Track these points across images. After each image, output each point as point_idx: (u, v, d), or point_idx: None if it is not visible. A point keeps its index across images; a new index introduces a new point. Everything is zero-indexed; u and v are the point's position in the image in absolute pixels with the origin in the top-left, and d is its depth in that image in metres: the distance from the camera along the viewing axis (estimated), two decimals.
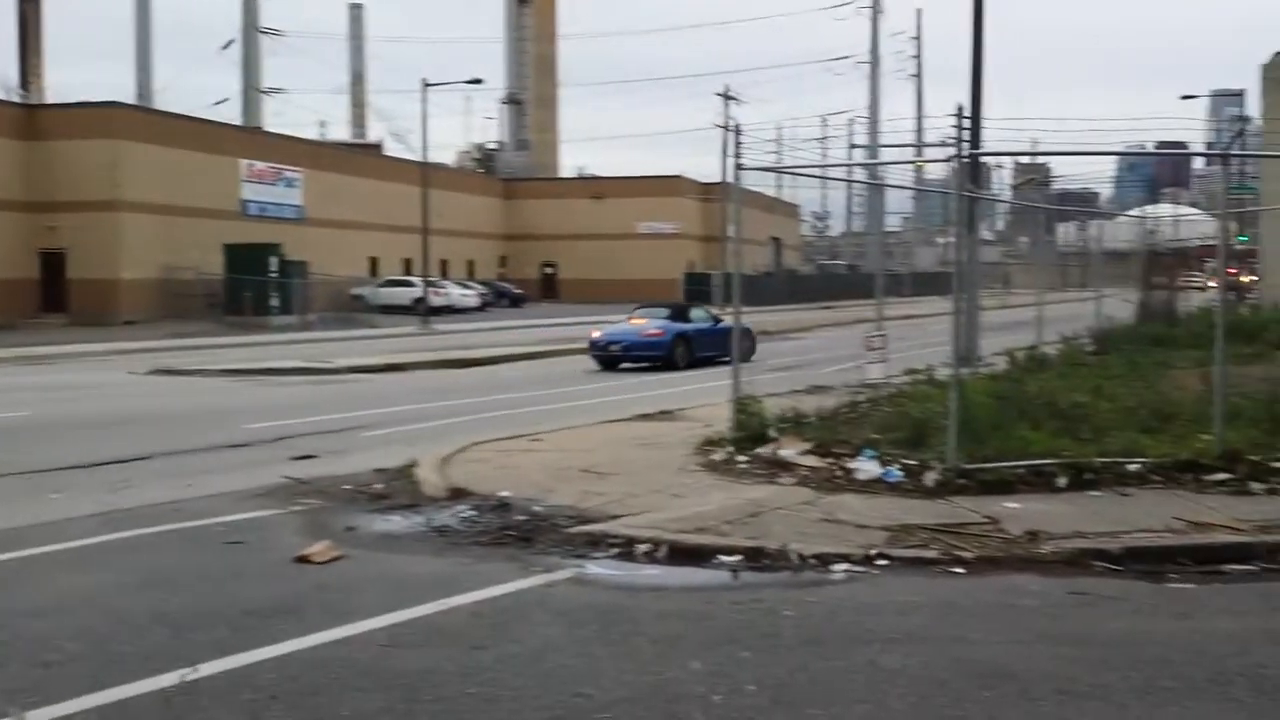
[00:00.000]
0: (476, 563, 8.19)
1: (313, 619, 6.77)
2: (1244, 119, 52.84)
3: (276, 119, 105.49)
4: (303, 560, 8.19)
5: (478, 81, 50.49)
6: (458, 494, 10.39)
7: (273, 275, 46.31)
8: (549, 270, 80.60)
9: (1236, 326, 21.09)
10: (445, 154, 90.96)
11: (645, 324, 25.85)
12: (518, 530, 9.05)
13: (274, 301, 45.90)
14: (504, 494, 10.18)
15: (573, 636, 6.46)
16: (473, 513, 9.69)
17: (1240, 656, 6.04)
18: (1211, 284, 32.06)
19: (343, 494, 10.76)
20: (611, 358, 25.35)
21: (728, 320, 27.92)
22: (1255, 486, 10.01)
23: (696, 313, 27.06)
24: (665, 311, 26.88)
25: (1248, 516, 9.04)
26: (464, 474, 11.21)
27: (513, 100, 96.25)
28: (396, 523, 9.63)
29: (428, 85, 46.94)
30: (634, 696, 5.50)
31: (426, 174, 47.92)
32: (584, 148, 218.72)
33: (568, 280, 78.92)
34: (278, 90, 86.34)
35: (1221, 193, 13.27)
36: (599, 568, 8.11)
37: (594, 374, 24.98)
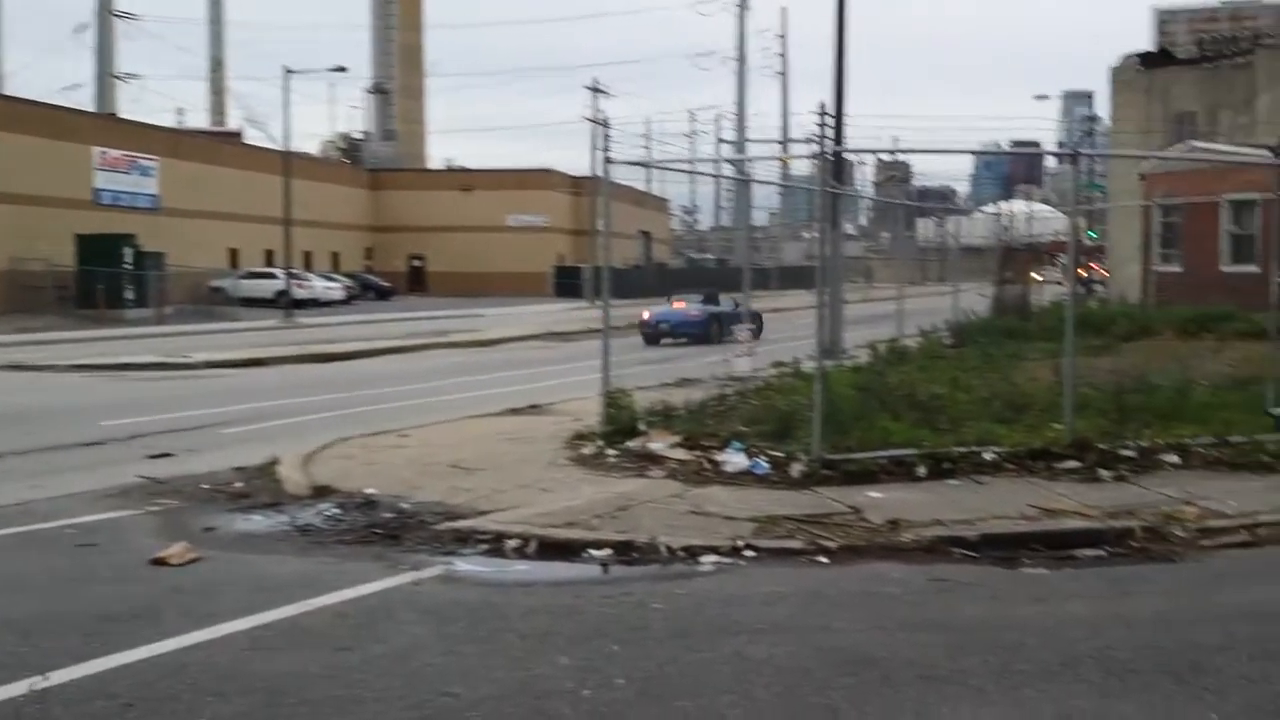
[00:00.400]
0: (342, 562, 8.04)
1: (170, 623, 6.56)
2: (1093, 119, 54.98)
3: (133, 105, 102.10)
4: (159, 562, 7.92)
5: (342, 69, 49.84)
6: (322, 492, 10.19)
7: (127, 267, 44.73)
8: (417, 263, 79.60)
9: (1086, 320, 21.89)
10: (309, 143, 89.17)
11: (686, 307, 30.29)
12: (384, 528, 8.91)
13: (129, 294, 44.32)
14: (370, 491, 10.02)
15: (440, 635, 6.38)
16: (337, 511, 9.51)
17: (1091, 639, 6.27)
18: (1047, 278, 33.88)
19: (201, 493, 10.46)
20: (659, 334, 29.56)
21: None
22: (1104, 473, 10.42)
23: (722, 299, 31.01)
24: (699, 298, 31.28)
25: (1097, 503, 9.41)
26: (328, 471, 11.00)
27: (379, 90, 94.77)
28: (257, 522, 9.40)
29: (290, 72, 45.98)
30: (502, 694, 5.46)
31: (289, 163, 46.89)
32: (452, 139, 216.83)
33: (436, 273, 78.04)
34: (134, 76, 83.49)
35: (1072, 190, 13.75)
36: (467, 564, 8.04)
37: (462, 369, 24.76)
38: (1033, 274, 32.24)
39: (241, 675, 5.73)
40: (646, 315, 30.52)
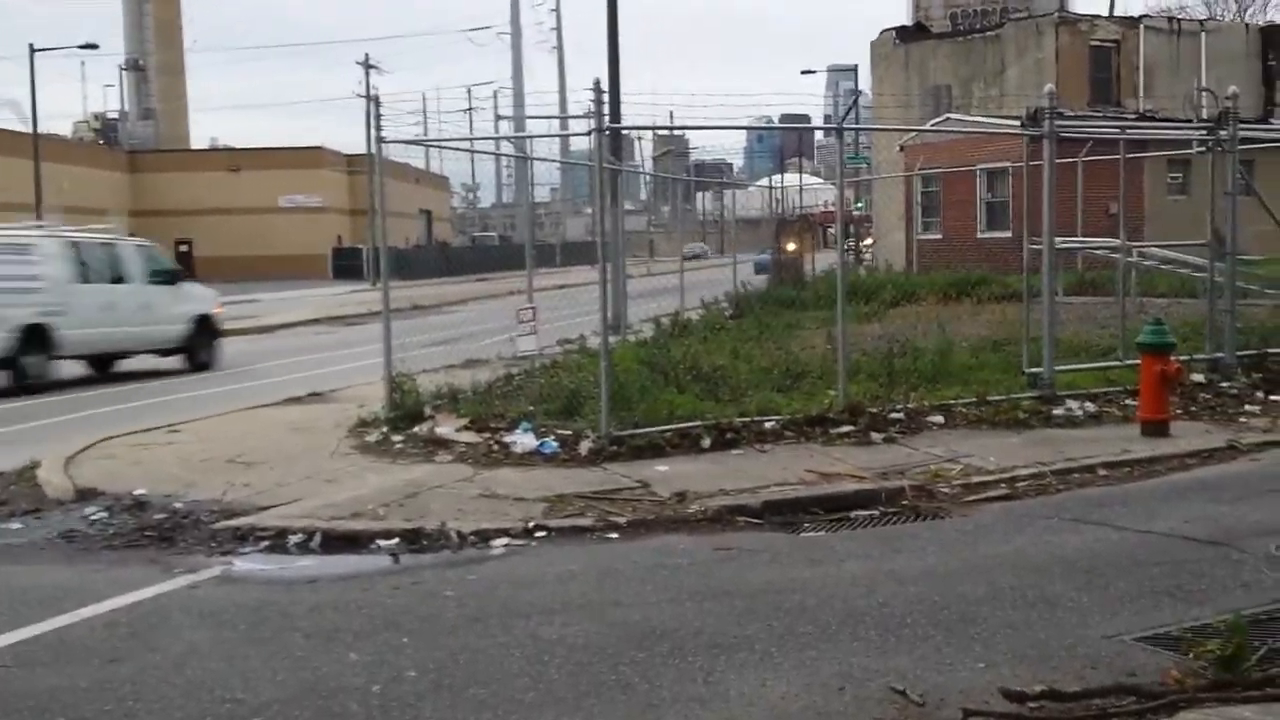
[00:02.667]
0: (110, 568, 7.64)
1: None
2: (857, 93, 56.97)
3: None
4: None
5: (92, 46, 46.97)
6: (87, 495, 9.65)
7: None
8: (184, 248, 76.05)
9: (856, 288, 22.78)
10: (60, 124, 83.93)
11: (767, 257, 38.24)
12: (156, 529, 8.51)
13: None
14: (140, 491, 9.55)
15: (219, 639, 6.13)
16: (104, 514, 9.02)
17: (868, 597, 6.54)
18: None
19: None
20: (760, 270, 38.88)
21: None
22: (875, 436, 10.88)
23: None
24: (769, 251, 38.91)
25: (870, 465, 9.82)
26: (94, 472, 10.42)
27: (134, 66, 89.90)
28: (16, 531, 8.82)
29: (35, 50, 43.15)
30: (288, 696, 5.29)
31: (38, 146, 44.08)
32: (218, 117, 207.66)
33: (205, 258, 74.63)
34: None
35: (838, 163, 14.25)
36: (247, 563, 7.76)
37: (238, 357, 23.87)
38: (789, 244, 34.81)
39: (2, 695, 5.37)
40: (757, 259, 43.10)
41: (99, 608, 6.71)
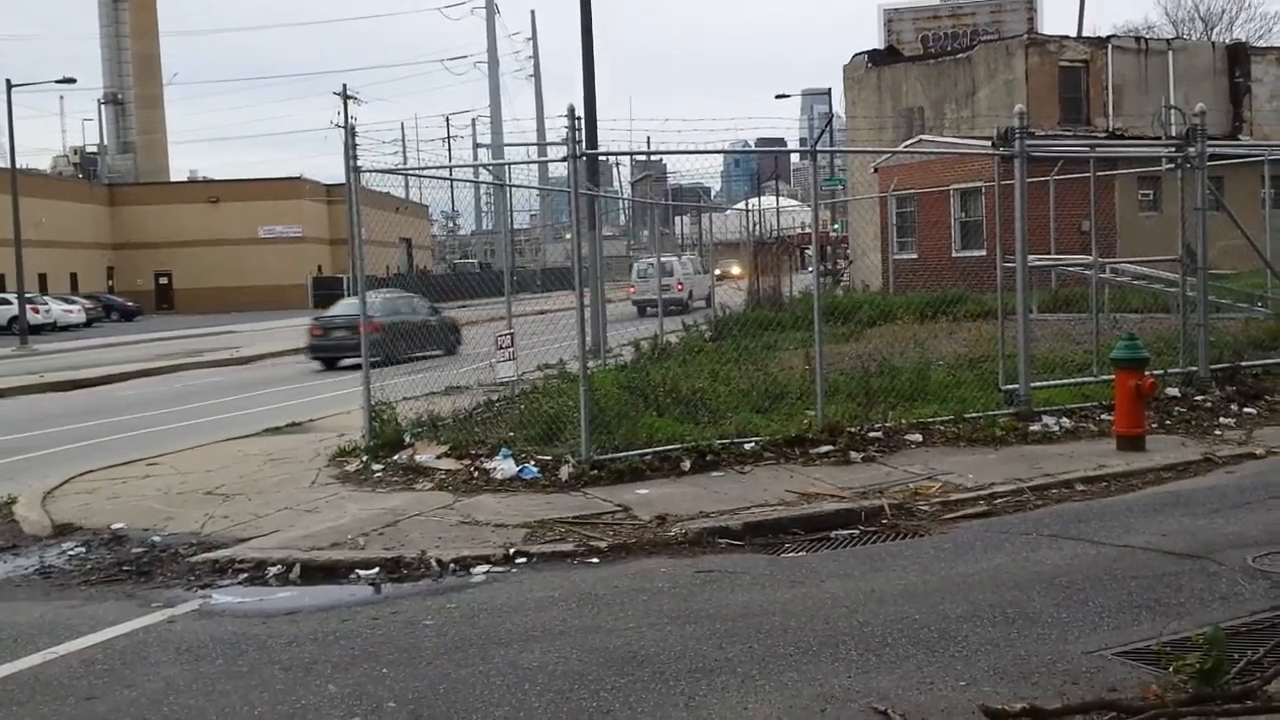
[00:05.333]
0: (87, 604, 7.59)
1: None
2: (831, 116, 57.22)
3: None
4: None
5: (70, 81, 46.82)
6: (64, 530, 9.60)
7: None
8: (164, 280, 75.95)
9: (833, 308, 22.83)
10: (39, 159, 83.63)
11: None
12: (134, 564, 8.46)
13: None
14: (117, 526, 9.49)
15: (197, 674, 6.08)
16: (82, 549, 8.97)
17: (848, 617, 6.54)
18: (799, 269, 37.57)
19: None
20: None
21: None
22: (854, 455, 10.90)
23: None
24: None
25: (849, 484, 9.84)
26: (71, 507, 10.36)
27: (113, 100, 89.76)
28: None
29: (13, 86, 43.04)
30: None
31: (16, 181, 43.93)
32: (197, 149, 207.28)
33: (185, 290, 74.70)
34: None
35: (813, 185, 14.32)
36: (226, 596, 7.71)
37: (218, 389, 23.77)
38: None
39: None
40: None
41: (75, 644, 6.66)
